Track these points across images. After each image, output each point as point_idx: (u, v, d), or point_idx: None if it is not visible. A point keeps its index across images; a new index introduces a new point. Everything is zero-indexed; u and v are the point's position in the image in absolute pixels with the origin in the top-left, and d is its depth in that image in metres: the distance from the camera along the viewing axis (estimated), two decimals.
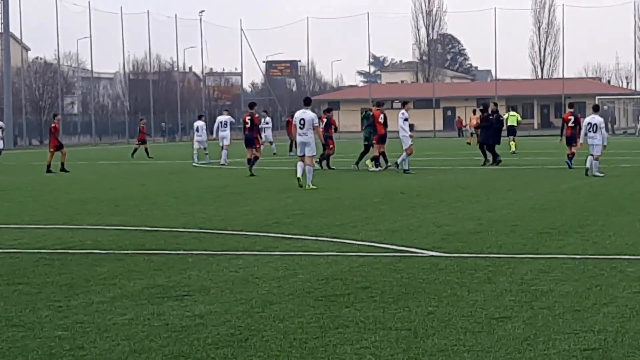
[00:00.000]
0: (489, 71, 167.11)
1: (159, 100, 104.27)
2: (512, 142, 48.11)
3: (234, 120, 46.98)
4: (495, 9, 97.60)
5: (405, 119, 32.08)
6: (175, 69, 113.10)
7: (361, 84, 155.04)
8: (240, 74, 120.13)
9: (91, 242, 15.10)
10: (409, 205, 20.34)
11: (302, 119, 26.18)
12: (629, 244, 13.78)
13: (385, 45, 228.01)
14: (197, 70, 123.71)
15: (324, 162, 35.44)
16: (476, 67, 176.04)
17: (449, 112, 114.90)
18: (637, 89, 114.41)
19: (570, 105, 35.15)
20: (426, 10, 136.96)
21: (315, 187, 25.29)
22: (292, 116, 31.97)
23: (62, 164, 36.79)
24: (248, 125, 33.10)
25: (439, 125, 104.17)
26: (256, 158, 32.70)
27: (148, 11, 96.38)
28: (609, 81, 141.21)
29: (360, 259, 12.84)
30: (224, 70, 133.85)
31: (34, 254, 13.86)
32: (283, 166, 38.25)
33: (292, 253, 13.55)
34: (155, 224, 17.59)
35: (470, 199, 21.65)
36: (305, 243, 14.63)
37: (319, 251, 13.71)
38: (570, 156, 32.55)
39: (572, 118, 33.28)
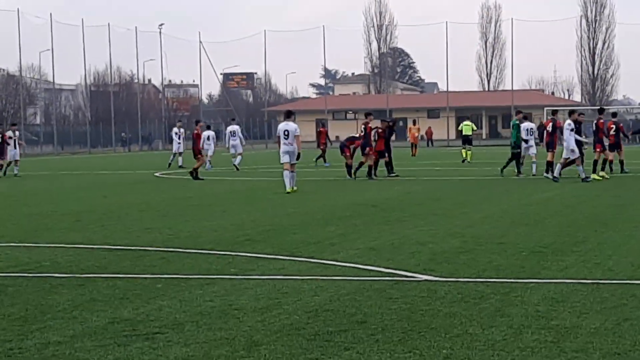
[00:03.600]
0: (435, 83, 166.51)
1: (120, 111, 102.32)
2: (467, 152, 47.17)
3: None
4: (446, 22, 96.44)
5: (572, 129, 29.67)
6: (136, 80, 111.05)
7: (314, 96, 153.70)
8: (198, 86, 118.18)
9: (49, 264, 13.23)
10: (383, 219, 18.62)
11: (286, 130, 26.77)
12: (635, 265, 12.13)
13: (337, 58, 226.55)
14: (156, 82, 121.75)
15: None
16: (423, 80, 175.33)
17: (400, 123, 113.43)
18: (579, 101, 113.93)
19: (554, 112, 33.86)
20: (377, 25, 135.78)
21: (296, 188, 26.55)
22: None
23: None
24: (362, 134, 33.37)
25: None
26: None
27: (109, 24, 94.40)
28: (552, 93, 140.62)
29: (347, 285, 11.08)
30: (182, 82, 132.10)
31: None
32: (248, 177, 36.50)
33: (271, 277, 11.78)
34: (118, 241, 15.74)
35: (444, 212, 19.96)
36: (282, 264, 12.85)
37: (300, 274, 11.94)
38: (550, 162, 31.65)
39: (552, 124, 32.06)
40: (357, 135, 35.28)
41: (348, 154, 34.38)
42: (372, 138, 33.29)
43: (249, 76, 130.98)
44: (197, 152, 35.16)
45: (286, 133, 26.72)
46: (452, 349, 7.87)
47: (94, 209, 22.29)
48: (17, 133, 41.39)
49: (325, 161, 45.05)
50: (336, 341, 8.24)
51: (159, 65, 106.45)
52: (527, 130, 34.02)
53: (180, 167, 45.38)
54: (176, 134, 48.70)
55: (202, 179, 33.86)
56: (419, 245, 14.39)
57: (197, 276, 11.96)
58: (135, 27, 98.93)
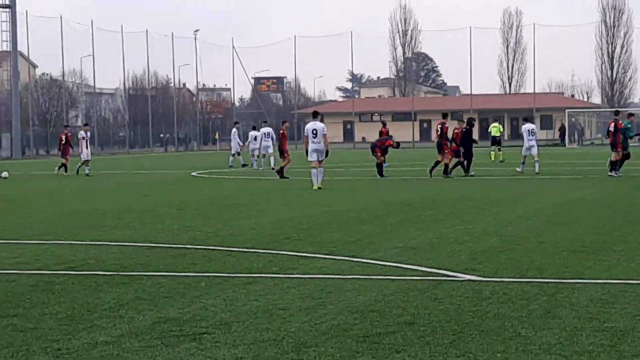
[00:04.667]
0: (457, 87, 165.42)
1: (157, 114, 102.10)
2: (498, 152, 46.92)
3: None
4: (470, 28, 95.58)
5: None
6: (171, 84, 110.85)
7: (340, 99, 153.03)
8: (230, 89, 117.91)
9: (94, 262, 12.79)
10: (418, 218, 18.09)
11: (315, 129, 27.35)
12: None
13: (362, 62, 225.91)
14: (190, 86, 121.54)
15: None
16: (446, 83, 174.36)
17: (424, 125, 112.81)
18: (600, 103, 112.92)
19: (616, 113, 33.53)
20: (402, 30, 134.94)
21: (322, 187, 26.66)
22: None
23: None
24: (438, 133, 33.18)
25: (417, 136, 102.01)
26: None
27: (147, 30, 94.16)
28: (572, 95, 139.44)
29: (390, 284, 10.56)
30: (215, 85, 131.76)
31: (32, 276, 11.57)
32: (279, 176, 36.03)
33: (313, 276, 11.28)
34: (160, 239, 15.29)
35: (478, 211, 19.40)
36: (324, 263, 12.35)
37: (342, 273, 11.44)
38: (615, 162, 31.42)
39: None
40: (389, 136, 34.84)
41: (379, 153, 33.85)
42: (450, 138, 32.83)
43: (279, 80, 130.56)
44: (284, 151, 34.57)
45: (314, 132, 27.22)
46: (507, 352, 7.35)
47: (135, 208, 21.87)
48: (88, 134, 40.74)
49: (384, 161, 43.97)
50: (385, 343, 7.73)
51: (194, 69, 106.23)
52: (528, 131, 34.67)
53: (244, 165, 45.10)
54: (235, 134, 48.00)
55: (287, 178, 33.03)
56: (458, 245, 13.85)
57: (240, 275, 11.48)
58: (172, 33, 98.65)
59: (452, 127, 33.60)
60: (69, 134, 41.92)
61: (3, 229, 17.48)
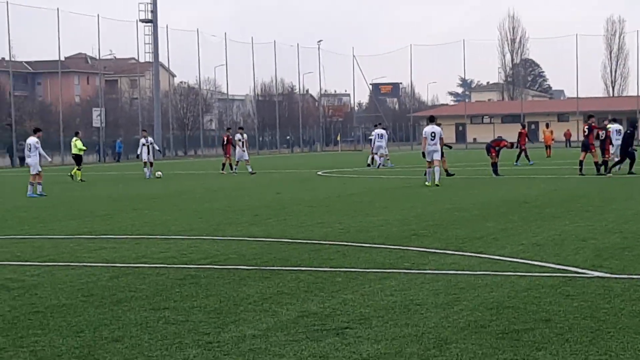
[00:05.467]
0: (562, 91, 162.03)
1: (283, 117, 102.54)
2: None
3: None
4: (577, 35, 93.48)
5: None
6: (296, 91, 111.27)
7: (452, 103, 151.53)
8: (350, 95, 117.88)
9: (236, 257, 12.59)
10: (537, 215, 17.43)
11: (433, 132, 27.61)
12: None
13: (472, 68, 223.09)
14: (313, 92, 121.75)
15: None
16: (551, 87, 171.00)
17: (532, 126, 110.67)
18: None
19: None
20: (511, 38, 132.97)
21: (439, 185, 26.71)
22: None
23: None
24: (585, 134, 31.96)
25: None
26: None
27: (274, 41, 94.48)
28: None
29: (521, 281, 10.06)
30: (335, 91, 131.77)
31: (179, 270, 11.41)
32: (399, 175, 35.56)
33: (445, 272, 10.84)
34: (295, 235, 15.03)
35: (595, 208, 18.64)
36: (453, 259, 11.89)
37: (472, 269, 10.98)
38: None
39: None
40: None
41: (494, 154, 33.06)
42: (598, 137, 31.93)
43: (395, 86, 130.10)
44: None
45: (432, 135, 27.52)
46: None
47: (269, 205, 21.71)
48: (244, 136, 40.80)
49: (529, 160, 43.16)
50: (525, 340, 7.27)
51: (316, 76, 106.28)
52: (616, 131, 33.48)
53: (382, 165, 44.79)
54: (380, 135, 46.93)
55: (453, 174, 32.29)
56: (581, 241, 13.23)
57: (374, 270, 11.12)
58: (297, 43, 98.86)
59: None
60: (230, 136, 42.37)
61: (152, 225, 17.47)
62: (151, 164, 38.15)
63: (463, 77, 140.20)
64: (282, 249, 13.31)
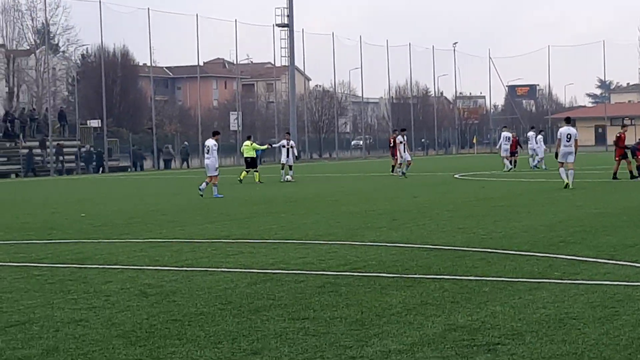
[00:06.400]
0: None
1: (417, 120, 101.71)
2: None
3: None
4: None
5: None
6: (430, 93, 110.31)
7: (589, 105, 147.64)
8: (485, 97, 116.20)
9: (376, 263, 12.12)
10: None
11: (569, 133, 27.07)
12: None
13: (611, 69, 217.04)
14: (447, 94, 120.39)
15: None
16: None
17: None
18: None
19: None
20: None
21: (573, 187, 26.12)
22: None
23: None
24: None
25: None
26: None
27: (409, 44, 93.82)
28: None
29: None
30: (470, 94, 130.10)
31: (318, 277, 11.02)
32: (538, 178, 34.49)
33: (598, 282, 10.12)
34: (436, 241, 14.46)
35: None
36: (607, 269, 11.14)
37: (628, 280, 10.23)
38: None
39: None
40: None
41: (639, 156, 31.67)
42: None
43: (532, 87, 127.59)
44: (622, 154, 31.40)
45: (568, 136, 27.04)
46: None
47: (406, 209, 21.17)
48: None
49: None
50: None
51: (451, 79, 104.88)
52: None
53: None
54: (507, 138, 45.64)
55: (637, 177, 31.15)
56: None
57: (522, 280, 10.47)
58: (433, 45, 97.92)
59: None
60: (396, 137, 41.62)
61: (289, 229, 17.17)
62: (290, 167, 37.88)
63: (602, 78, 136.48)
64: (424, 256, 12.78)
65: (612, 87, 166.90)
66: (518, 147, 45.64)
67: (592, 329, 7.74)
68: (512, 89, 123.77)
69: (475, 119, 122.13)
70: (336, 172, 48.77)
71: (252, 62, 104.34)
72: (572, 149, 26.84)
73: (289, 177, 37.13)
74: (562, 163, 27.01)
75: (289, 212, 21.23)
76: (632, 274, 10.69)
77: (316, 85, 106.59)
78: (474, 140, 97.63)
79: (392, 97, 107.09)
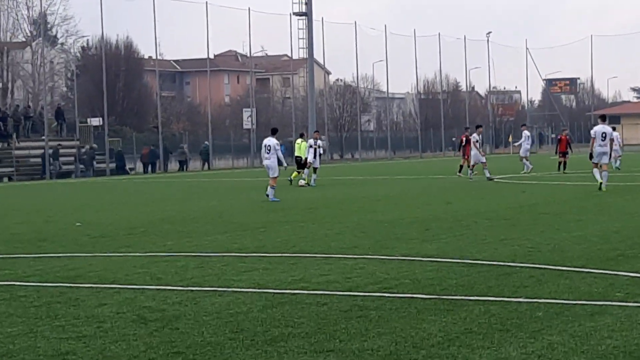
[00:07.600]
0: None
1: (447, 117, 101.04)
2: None
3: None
4: None
5: None
6: (461, 88, 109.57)
7: (635, 100, 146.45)
8: (521, 92, 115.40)
9: (409, 282, 11.47)
10: None
11: (604, 132, 27.48)
12: None
13: None
14: (479, 88, 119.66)
15: None
16: None
17: None
18: None
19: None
20: None
21: (606, 189, 26.49)
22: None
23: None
24: None
25: None
26: None
27: (439, 34, 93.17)
28: None
29: None
30: (504, 88, 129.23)
31: (344, 298, 10.38)
32: (581, 181, 33.75)
33: None
34: (476, 255, 13.80)
35: None
36: None
37: None
38: None
39: None
40: None
41: None
42: None
43: (572, 81, 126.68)
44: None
45: (603, 135, 27.35)
46: None
47: (440, 217, 20.51)
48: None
49: None
50: None
51: (484, 72, 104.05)
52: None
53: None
54: (528, 137, 45.58)
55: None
56: None
57: (580, 302, 9.80)
58: (464, 36, 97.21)
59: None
60: (469, 136, 40.96)
61: (309, 240, 16.54)
62: (315, 169, 37.04)
63: None
64: (463, 273, 12.11)
65: None
66: (568, 147, 43.70)
67: None
68: (550, 83, 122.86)
69: (511, 115, 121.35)
70: (359, 174, 48.16)
71: (267, 54, 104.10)
72: (607, 148, 27.29)
73: (302, 182, 36.45)
74: (597, 164, 27.25)
75: (308, 220, 20.59)
76: None
77: (337, 80, 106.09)
78: (510, 139, 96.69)
79: (419, 92, 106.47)
